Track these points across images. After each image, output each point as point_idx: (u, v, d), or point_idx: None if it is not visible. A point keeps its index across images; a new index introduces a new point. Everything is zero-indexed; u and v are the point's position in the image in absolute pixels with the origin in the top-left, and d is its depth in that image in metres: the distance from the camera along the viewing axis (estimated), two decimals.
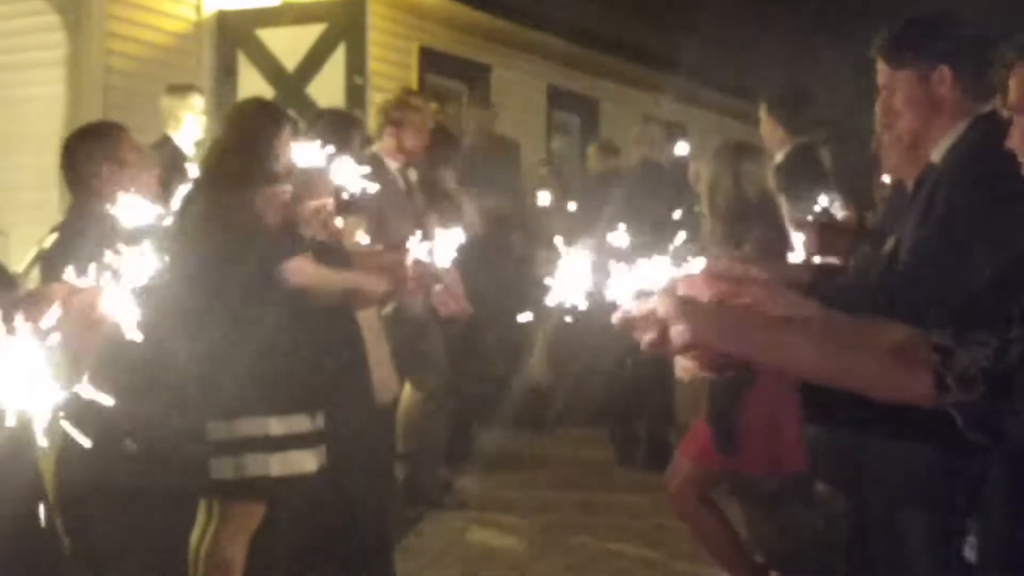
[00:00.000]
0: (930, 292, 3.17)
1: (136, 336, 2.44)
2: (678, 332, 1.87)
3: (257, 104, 5.41)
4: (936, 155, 3.54)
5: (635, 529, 7.18)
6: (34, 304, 2.38)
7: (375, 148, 6.97)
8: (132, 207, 3.60)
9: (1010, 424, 1.83)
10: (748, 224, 5.48)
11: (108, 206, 4.09)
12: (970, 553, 2.52)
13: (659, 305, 1.92)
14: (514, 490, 8.09)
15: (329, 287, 4.87)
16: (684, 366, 2.07)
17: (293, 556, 5.22)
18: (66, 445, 4.20)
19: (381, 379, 5.69)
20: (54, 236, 4.49)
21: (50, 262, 4.28)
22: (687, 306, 1.90)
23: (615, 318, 1.98)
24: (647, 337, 1.92)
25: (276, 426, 4.68)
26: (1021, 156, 2.37)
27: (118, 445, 4.13)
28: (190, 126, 8.27)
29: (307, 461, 4.76)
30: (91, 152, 4.48)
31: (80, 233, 4.17)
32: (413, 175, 7.36)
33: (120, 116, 9.11)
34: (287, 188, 4.82)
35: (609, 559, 6.63)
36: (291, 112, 5.53)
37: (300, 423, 4.74)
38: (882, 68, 3.66)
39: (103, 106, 9.31)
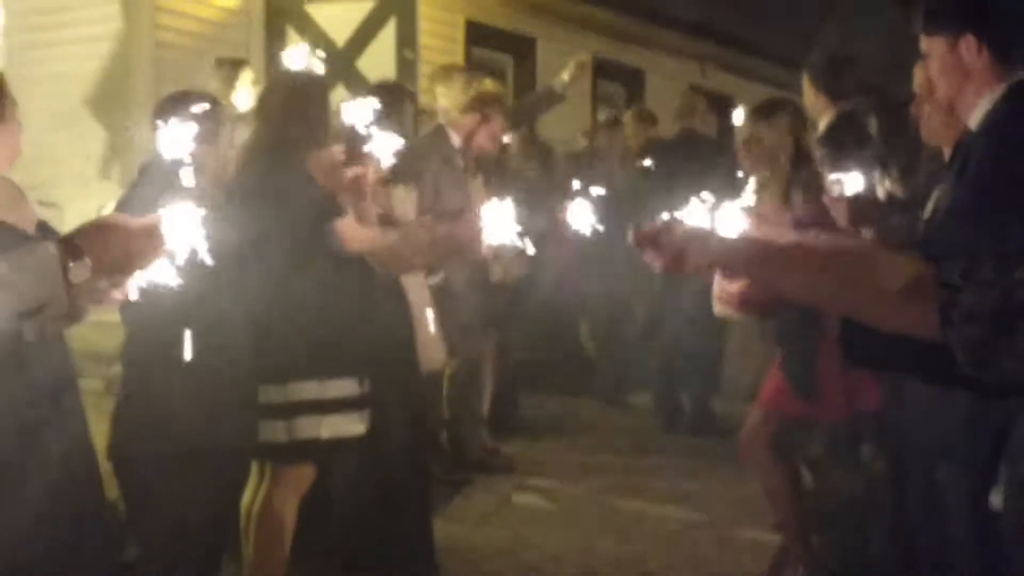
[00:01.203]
0: (961, 254, 3.23)
1: (200, 262, 2.66)
2: (694, 253, 1.99)
3: (304, 74, 5.52)
4: (972, 122, 3.58)
5: (680, 493, 7.25)
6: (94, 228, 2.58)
7: (443, 121, 7.10)
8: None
9: (1008, 364, 1.90)
10: (799, 183, 5.54)
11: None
12: (995, 500, 2.58)
13: (677, 230, 2.04)
14: (560, 455, 8.18)
15: (376, 249, 4.94)
16: (720, 306, 2.22)
17: (342, 519, 5.36)
18: (123, 405, 4.37)
19: (427, 346, 5.80)
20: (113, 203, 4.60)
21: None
22: (704, 232, 2.01)
23: (630, 236, 2.12)
24: (662, 259, 2.05)
25: (326, 390, 4.77)
26: None
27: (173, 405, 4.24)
28: (241, 100, 8.37)
29: (355, 424, 4.85)
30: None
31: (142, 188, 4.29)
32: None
33: (171, 90, 9.31)
34: (338, 150, 4.93)
35: (655, 522, 6.71)
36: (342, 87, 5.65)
37: (348, 387, 4.82)
38: (922, 36, 3.72)
39: (154, 80, 9.45)
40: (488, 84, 7.50)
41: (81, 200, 8.01)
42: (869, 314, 2.01)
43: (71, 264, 2.49)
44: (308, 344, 4.72)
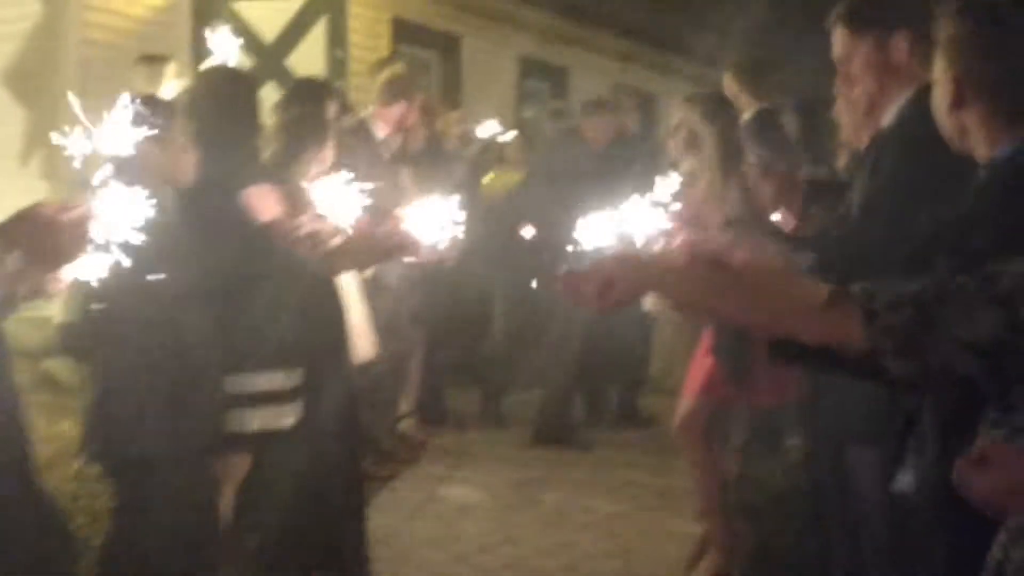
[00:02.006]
0: (872, 251, 3.38)
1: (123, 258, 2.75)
2: (621, 286, 2.09)
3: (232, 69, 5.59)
4: (886, 120, 3.73)
5: (604, 484, 7.39)
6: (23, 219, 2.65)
7: (364, 115, 7.17)
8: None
9: (931, 355, 2.03)
10: (733, 172, 5.59)
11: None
12: (901, 482, 2.72)
13: (603, 264, 2.14)
14: (485, 448, 8.29)
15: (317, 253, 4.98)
16: (651, 305, 2.32)
17: (276, 508, 5.41)
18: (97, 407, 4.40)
19: (359, 340, 5.88)
20: None
21: None
22: (629, 261, 2.12)
23: (558, 279, 2.20)
24: (589, 291, 2.14)
25: (255, 383, 4.83)
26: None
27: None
28: (166, 95, 8.39)
29: (285, 417, 4.91)
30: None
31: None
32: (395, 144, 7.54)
33: (97, 88, 9.28)
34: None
35: (580, 513, 6.82)
36: (270, 84, 5.72)
37: (278, 380, 4.89)
38: (841, 35, 3.84)
39: (80, 78, 9.44)
40: (397, 68, 7.57)
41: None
42: (795, 330, 2.13)
43: (3, 257, 2.57)
44: (238, 338, 4.76)
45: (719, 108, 5.84)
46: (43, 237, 2.65)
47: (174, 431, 4.30)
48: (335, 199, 4.78)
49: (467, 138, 9.83)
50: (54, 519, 4.83)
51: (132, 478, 4.50)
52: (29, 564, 4.22)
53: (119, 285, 3.00)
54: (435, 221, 4.80)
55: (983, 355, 1.98)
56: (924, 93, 3.62)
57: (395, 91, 7.23)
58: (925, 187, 3.42)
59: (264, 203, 4.84)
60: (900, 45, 3.68)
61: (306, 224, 4.77)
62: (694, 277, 2.11)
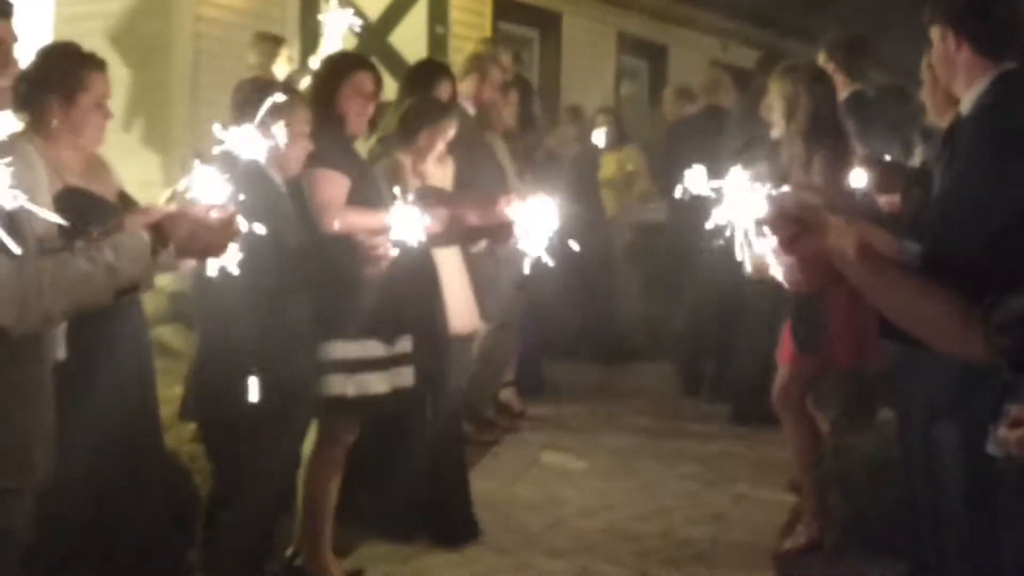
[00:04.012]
0: (954, 236, 3.52)
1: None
2: (816, 236, 2.25)
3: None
4: (964, 108, 3.85)
5: (698, 454, 7.56)
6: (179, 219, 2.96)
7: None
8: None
9: None
10: (820, 145, 5.62)
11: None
12: (992, 449, 2.87)
13: (802, 210, 2.30)
14: (584, 418, 8.48)
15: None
16: (758, 267, 2.46)
17: (384, 471, 5.66)
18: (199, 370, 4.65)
19: (459, 311, 6.07)
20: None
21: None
22: (832, 219, 2.29)
23: (767, 212, 2.33)
24: (786, 234, 2.30)
25: (350, 350, 5.00)
26: None
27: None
28: (279, 74, 8.65)
29: (379, 383, 5.06)
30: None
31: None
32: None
33: (210, 63, 9.62)
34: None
35: (675, 481, 7.00)
36: (375, 61, 5.91)
37: (373, 348, 5.06)
38: (925, 24, 3.99)
39: (193, 53, 9.75)
40: (479, 46, 7.75)
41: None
42: (926, 338, 2.33)
43: (160, 250, 2.89)
44: (337, 308, 4.94)
45: (815, 80, 5.86)
46: (195, 235, 2.99)
47: (268, 397, 4.45)
48: (408, 216, 4.76)
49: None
50: (179, 475, 5.17)
51: (222, 440, 4.73)
52: (160, 517, 4.54)
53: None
54: (537, 217, 4.92)
55: None
56: (1000, 81, 3.76)
57: (468, 68, 7.42)
58: (999, 172, 3.56)
59: (326, 187, 5.00)
60: (950, 42, 3.78)
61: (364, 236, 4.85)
62: (865, 263, 2.28)
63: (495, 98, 7.46)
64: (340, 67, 5.39)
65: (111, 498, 4.32)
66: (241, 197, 3.13)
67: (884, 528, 5.58)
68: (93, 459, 4.00)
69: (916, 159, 5.91)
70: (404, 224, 4.71)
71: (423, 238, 4.80)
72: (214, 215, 3.04)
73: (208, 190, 3.06)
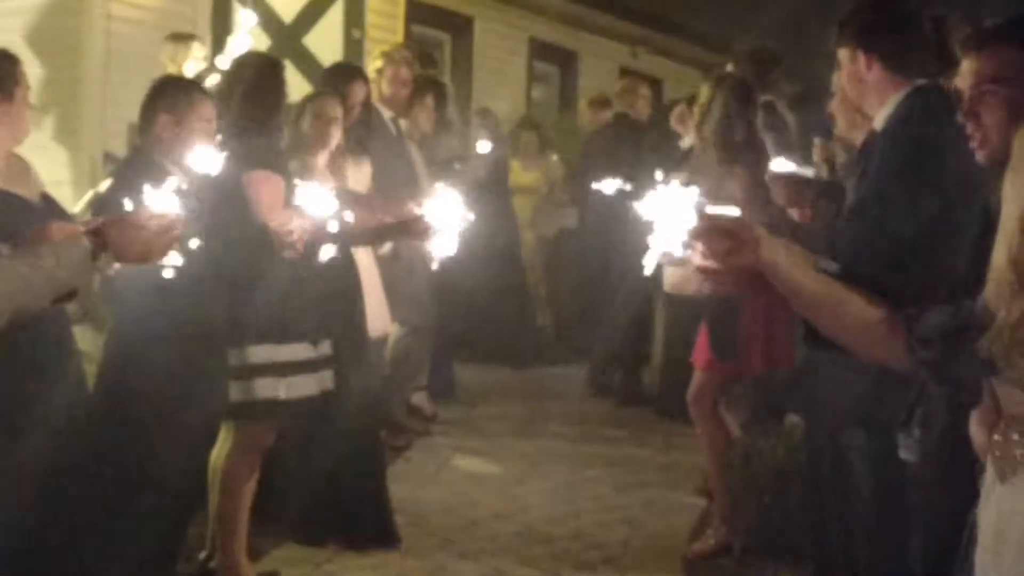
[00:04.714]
0: (864, 245, 3.62)
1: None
2: (750, 250, 2.30)
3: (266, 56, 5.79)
4: (878, 124, 3.95)
5: (610, 458, 7.64)
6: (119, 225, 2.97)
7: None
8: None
9: (963, 374, 2.29)
10: (732, 161, 5.72)
11: (162, 153, 4.54)
12: (905, 453, 2.95)
13: (736, 225, 2.34)
14: (496, 422, 8.54)
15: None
16: (675, 282, 2.50)
17: (300, 474, 5.65)
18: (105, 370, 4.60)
19: (374, 314, 6.09)
20: (109, 181, 4.82)
21: (103, 203, 4.52)
22: (762, 231, 2.34)
23: (692, 227, 2.35)
24: (720, 248, 2.34)
25: (279, 353, 5.04)
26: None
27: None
28: (189, 73, 8.58)
29: (310, 385, 5.12)
30: (151, 103, 4.71)
31: (133, 177, 4.52)
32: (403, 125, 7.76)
33: (121, 62, 9.49)
34: None
35: (587, 484, 7.08)
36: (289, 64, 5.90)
37: (303, 350, 5.11)
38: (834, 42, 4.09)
39: (105, 51, 9.62)
40: (388, 50, 7.82)
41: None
42: (852, 346, 2.40)
43: (100, 255, 2.91)
44: (264, 311, 4.95)
45: (732, 89, 5.93)
46: (134, 241, 3.00)
47: (175, 399, 4.48)
48: (315, 198, 4.94)
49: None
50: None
51: (127, 441, 4.61)
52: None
53: None
54: (449, 213, 4.99)
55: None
56: (913, 96, 3.87)
57: (379, 66, 7.50)
58: (909, 184, 3.66)
59: (266, 188, 5.01)
60: (861, 61, 3.88)
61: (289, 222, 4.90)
62: (800, 263, 2.34)
63: (406, 93, 7.51)
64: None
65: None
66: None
67: (791, 532, 5.65)
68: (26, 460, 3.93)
69: (817, 169, 6.02)
70: (314, 204, 4.84)
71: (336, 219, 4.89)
72: (152, 220, 3.08)
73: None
